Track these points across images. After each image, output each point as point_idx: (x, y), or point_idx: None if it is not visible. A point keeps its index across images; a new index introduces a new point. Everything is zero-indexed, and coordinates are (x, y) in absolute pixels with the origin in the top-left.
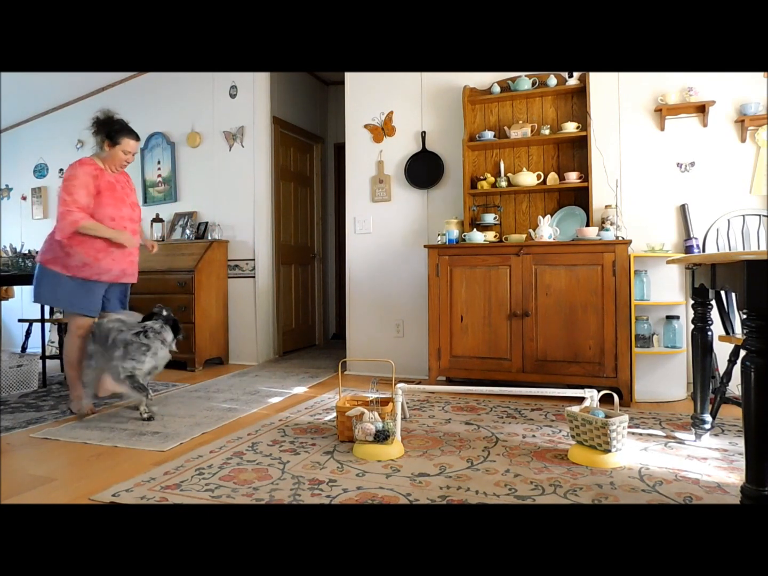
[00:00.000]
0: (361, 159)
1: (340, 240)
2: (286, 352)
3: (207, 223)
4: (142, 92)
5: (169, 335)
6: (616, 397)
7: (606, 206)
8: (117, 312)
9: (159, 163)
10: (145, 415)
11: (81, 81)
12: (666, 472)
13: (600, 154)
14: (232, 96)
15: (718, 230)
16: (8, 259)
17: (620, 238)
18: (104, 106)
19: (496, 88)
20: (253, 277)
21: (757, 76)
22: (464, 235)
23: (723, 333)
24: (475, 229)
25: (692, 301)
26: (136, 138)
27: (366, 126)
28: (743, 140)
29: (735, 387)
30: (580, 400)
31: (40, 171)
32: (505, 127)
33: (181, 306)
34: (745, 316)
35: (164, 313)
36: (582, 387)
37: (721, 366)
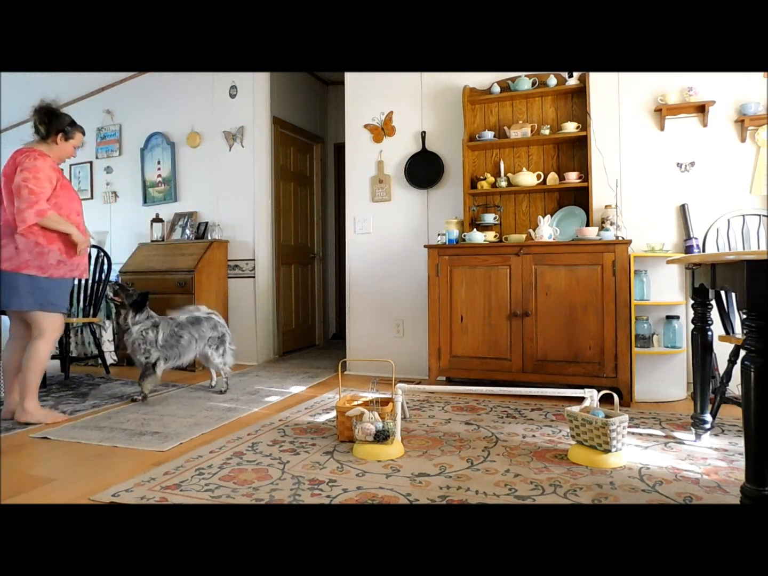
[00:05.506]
0: (361, 159)
1: (340, 240)
2: (286, 352)
3: (207, 223)
4: (142, 92)
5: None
6: (616, 397)
7: (606, 206)
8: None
9: (159, 163)
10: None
11: (81, 81)
12: (666, 472)
13: (600, 154)
14: (232, 96)
15: (718, 230)
16: None
17: (620, 238)
18: (104, 106)
19: (496, 88)
20: (253, 277)
21: (757, 76)
22: (464, 235)
23: (723, 333)
24: (475, 229)
25: (692, 301)
26: (84, 133)
27: (366, 126)
28: (743, 140)
29: (735, 387)
30: (580, 400)
31: None
32: (505, 127)
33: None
34: (745, 316)
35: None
36: (582, 387)
37: (721, 366)
